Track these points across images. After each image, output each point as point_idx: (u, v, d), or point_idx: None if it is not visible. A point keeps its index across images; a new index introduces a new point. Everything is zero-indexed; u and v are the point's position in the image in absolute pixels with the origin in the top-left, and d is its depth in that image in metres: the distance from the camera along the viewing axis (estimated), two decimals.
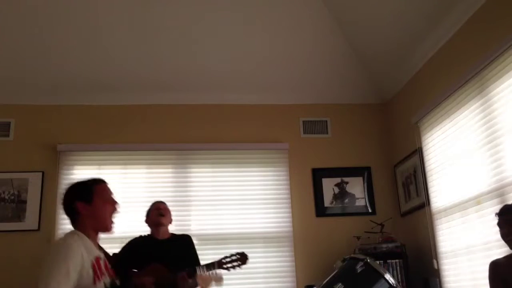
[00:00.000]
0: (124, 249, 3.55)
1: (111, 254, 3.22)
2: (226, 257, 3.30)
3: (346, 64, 4.71)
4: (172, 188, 4.66)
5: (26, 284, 4.23)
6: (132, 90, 4.78)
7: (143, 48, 4.42)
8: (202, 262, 3.35)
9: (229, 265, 3.28)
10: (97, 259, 2.06)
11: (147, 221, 3.65)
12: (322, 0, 4.13)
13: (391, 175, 4.88)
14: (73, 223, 2.15)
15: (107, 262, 2.19)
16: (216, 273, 3.20)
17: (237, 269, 3.29)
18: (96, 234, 2.17)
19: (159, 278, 3.09)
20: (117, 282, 2.17)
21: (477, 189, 3.46)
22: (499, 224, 2.69)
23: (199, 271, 3.17)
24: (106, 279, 2.08)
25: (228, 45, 4.45)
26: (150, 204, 3.72)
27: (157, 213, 3.57)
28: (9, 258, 4.27)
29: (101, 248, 2.23)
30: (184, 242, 3.63)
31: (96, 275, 2.00)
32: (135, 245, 3.53)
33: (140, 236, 3.62)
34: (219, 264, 3.26)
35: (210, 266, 3.23)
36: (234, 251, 3.36)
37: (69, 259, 1.91)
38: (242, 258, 3.31)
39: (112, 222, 2.19)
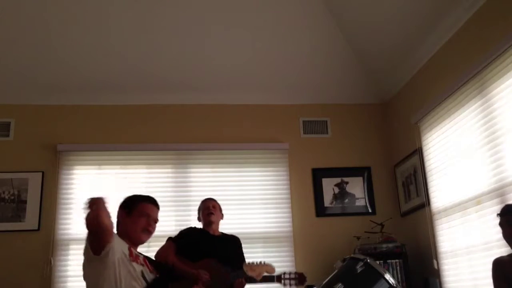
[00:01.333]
0: (181, 235, 3.55)
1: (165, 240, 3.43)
2: (285, 273, 3.39)
3: (346, 64, 4.71)
4: (172, 188, 4.66)
5: (26, 284, 4.24)
6: (132, 90, 4.78)
7: (143, 49, 4.42)
8: None
9: (286, 281, 3.37)
10: (130, 247, 2.36)
11: (199, 220, 3.69)
12: (322, 0, 4.13)
13: (391, 175, 4.87)
14: (116, 226, 2.44)
15: (147, 261, 2.47)
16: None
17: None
18: (130, 243, 2.40)
19: (215, 276, 3.11)
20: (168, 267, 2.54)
21: (477, 189, 3.46)
22: (501, 224, 2.68)
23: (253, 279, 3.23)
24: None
25: (228, 46, 4.45)
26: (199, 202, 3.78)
27: (207, 212, 3.61)
28: (9, 258, 4.27)
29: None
30: (236, 243, 3.66)
31: (131, 255, 2.31)
32: (191, 235, 3.54)
33: (195, 228, 3.65)
34: (278, 279, 3.35)
35: (268, 278, 3.30)
36: (294, 270, 3.57)
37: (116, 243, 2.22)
38: (300, 279, 3.40)
39: (144, 235, 2.45)
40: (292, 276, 3.38)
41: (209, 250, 3.35)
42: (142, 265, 2.37)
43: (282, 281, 3.35)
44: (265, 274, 3.29)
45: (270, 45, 4.48)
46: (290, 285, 3.37)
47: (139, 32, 4.28)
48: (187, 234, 3.55)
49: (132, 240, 2.40)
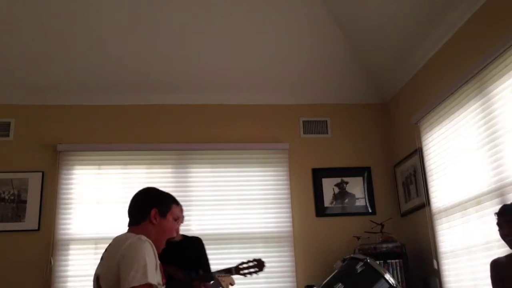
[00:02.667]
0: None
1: None
2: (243, 262, 3.30)
3: (346, 64, 4.71)
4: (172, 188, 4.65)
5: (26, 284, 4.24)
6: (132, 90, 4.78)
7: (143, 49, 4.42)
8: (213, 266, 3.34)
9: (246, 271, 3.28)
10: (161, 263, 2.10)
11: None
12: (322, 1, 4.13)
13: (391, 175, 4.88)
14: (135, 223, 2.12)
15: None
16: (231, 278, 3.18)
17: (254, 275, 3.29)
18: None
19: (172, 284, 3.05)
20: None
21: (477, 189, 3.46)
22: (499, 224, 2.69)
23: (215, 278, 3.13)
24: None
25: (228, 45, 4.45)
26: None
27: None
28: (9, 258, 4.28)
29: None
30: (196, 245, 3.60)
31: (163, 275, 2.07)
32: None
33: None
34: (236, 270, 3.25)
35: (227, 271, 3.21)
36: (251, 257, 3.35)
37: (154, 257, 1.96)
38: (259, 265, 3.31)
39: (164, 245, 2.17)
40: (251, 264, 3.28)
41: (169, 256, 3.29)
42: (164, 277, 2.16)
43: (241, 271, 3.24)
44: (224, 267, 3.21)
45: (270, 45, 4.48)
46: (250, 273, 3.28)
47: (139, 32, 4.28)
48: None
49: (155, 243, 2.07)
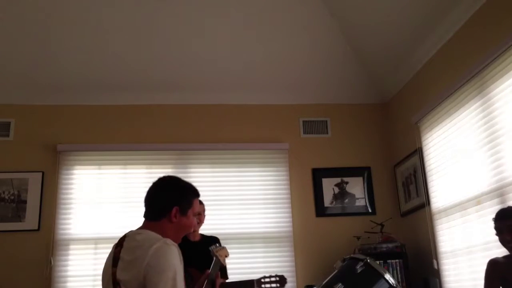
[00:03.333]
0: None
1: None
2: (266, 277, 3.29)
3: (346, 64, 4.71)
4: None
5: (26, 284, 4.24)
6: (132, 90, 4.78)
7: (143, 49, 4.42)
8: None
9: (267, 285, 3.27)
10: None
11: None
12: (322, 0, 4.13)
13: (391, 175, 4.88)
14: (154, 218, 2.01)
15: None
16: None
17: None
18: None
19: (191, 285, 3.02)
20: None
21: (477, 189, 3.46)
22: (498, 229, 2.63)
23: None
24: None
25: (228, 45, 4.45)
26: None
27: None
28: (9, 258, 4.28)
29: None
30: (213, 245, 3.57)
31: (185, 282, 1.96)
32: None
33: None
34: (258, 283, 3.24)
35: (248, 283, 3.20)
36: (273, 272, 3.39)
37: (180, 263, 1.87)
38: (281, 281, 3.30)
39: (180, 240, 2.04)
40: (273, 279, 3.26)
41: (188, 259, 3.28)
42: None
43: (263, 285, 3.23)
44: (245, 279, 3.21)
45: (270, 45, 4.48)
46: None
47: (139, 32, 4.28)
48: None
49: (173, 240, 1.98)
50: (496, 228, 2.65)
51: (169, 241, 1.88)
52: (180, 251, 1.89)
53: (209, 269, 2.82)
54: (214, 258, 2.91)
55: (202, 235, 3.60)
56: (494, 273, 2.70)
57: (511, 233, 2.57)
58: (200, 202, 3.53)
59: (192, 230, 2.11)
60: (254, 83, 4.83)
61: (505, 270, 2.66)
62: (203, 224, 3.52)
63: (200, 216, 3.45)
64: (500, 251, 2.99)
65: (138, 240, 1.91)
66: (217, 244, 3.11)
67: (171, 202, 2.00)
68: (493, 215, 2.70)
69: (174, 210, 1.98)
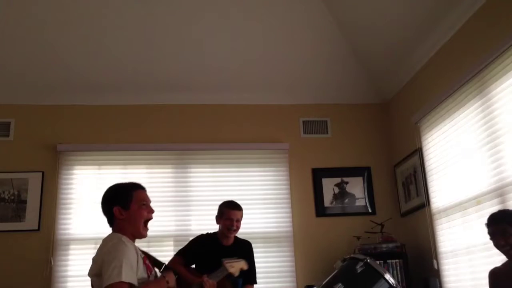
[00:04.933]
0: (190, 246, 3.50)
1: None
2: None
3: (346, 64, 4.71)
4: (172, 188, 4.66)
5: (26, 284, 4.24)
6: (132, 90, 4.78)
7: (143, 49, 4.42)
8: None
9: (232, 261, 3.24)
10: (144, 257, 2.23)
11: (217, 221, 3.57)
12: (322, 0, 4.13)
13: (391, 175, 4.88)
14: (111, 225, 2.28)
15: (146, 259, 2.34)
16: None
17: None
18: (132, 238, 2.25)
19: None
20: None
21: (477, 189, 3.46)
22: (492, 233, 2.64)
23: None
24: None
25: (228, 45, 4.45)
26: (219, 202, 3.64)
27: (229, 226, 3.47)
28: (9, 258, 4.27)
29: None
30: (245, 249, 3.55)
31: (149, 270, 2.20)
32: (202, 245, 3.48)
33: (207, 235, 3.56)
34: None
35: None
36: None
37: (133, 256, 2.10)
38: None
39: (145, 228, 2.29)
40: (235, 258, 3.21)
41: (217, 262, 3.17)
42: (151, 270, 2.27)
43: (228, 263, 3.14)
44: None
45: (270, 45, 4.48)
46: None
47: (139, 32, 4.28)
48: (197, 244, 3.50)
49: (134, 235, 2.23)
50: (489, 233, 2.67)
51: (124, 238, 2.14)
52: (135, 247, 2.15)
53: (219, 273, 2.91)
54: (222, 267, 2.95)
55: (236, 239, 3.61)
56: (494, 285, 2.70)
57: (503, 237, 2.58)
58: (238, 209, 3.58)
59: (149, 216, 2.30)
60: (254, 83, 4.83)
61: (504, 279, 2.66)
62: (239, 230, 3.55)
63: (237, 223, 3.51)
64: (500, 252, 2.98)
65: (102, 241, 2.19)
66: (236, 257, 3.14)
67: (110, 205, 2.26)
68: (486, 222, 2.70)
69: (115, 210, 2.23)
